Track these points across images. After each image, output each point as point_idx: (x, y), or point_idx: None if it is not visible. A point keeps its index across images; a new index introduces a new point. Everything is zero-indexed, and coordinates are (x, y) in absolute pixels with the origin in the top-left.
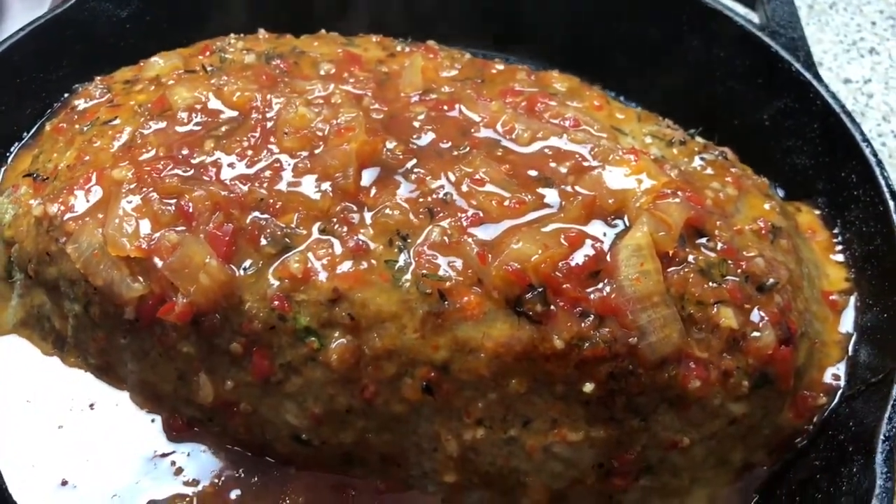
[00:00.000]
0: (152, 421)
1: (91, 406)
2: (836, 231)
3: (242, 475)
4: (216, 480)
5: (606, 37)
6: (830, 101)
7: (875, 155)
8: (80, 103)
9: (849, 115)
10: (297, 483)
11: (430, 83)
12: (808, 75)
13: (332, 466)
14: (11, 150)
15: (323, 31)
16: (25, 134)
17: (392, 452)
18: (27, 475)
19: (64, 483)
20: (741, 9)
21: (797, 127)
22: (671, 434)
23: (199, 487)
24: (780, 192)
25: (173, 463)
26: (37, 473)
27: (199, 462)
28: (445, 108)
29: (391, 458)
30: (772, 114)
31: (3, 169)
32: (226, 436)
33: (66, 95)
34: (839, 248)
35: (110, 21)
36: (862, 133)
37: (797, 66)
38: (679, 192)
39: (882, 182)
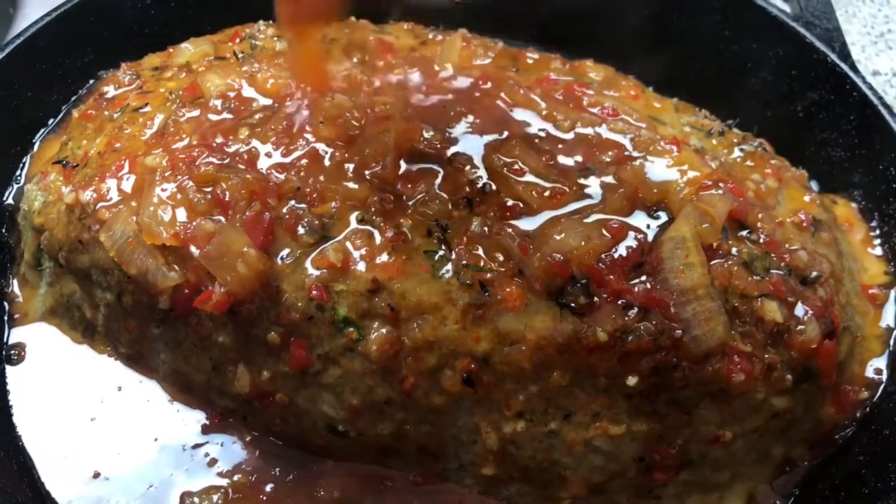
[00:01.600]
0: (184, 412)
1: (122, 397)
2: (873, 224)
3: (277, 467)
4: (250, 472)
5: (639, 28)
6: (868, 92)
7: None
8: (109, 90)
9: (887, 106)
10: (333, 475)
11: (465, 71)
12: (844, 66)
13: (368, 458)
14: (37, 137)
15: (353, 18)
16: (52, 120)
17: (430, 445)
18: (60, 467)
19: (96, 475)
20: None
21: (832, 119)
22: (713, 428)
23: (234, 479)
24: (814, 185)
25: (206, 454)
26: (69, 465)
27: (234, 453)
28: (485, 87)
29: (429, 451)
30: (806, 105)
31: (29, 156)
32: (261, 426)
33: (91, 82)
34: (878, 241)
35: (135, 6)
36: None
37: (833, 56)
38: (721, 184)
39: None
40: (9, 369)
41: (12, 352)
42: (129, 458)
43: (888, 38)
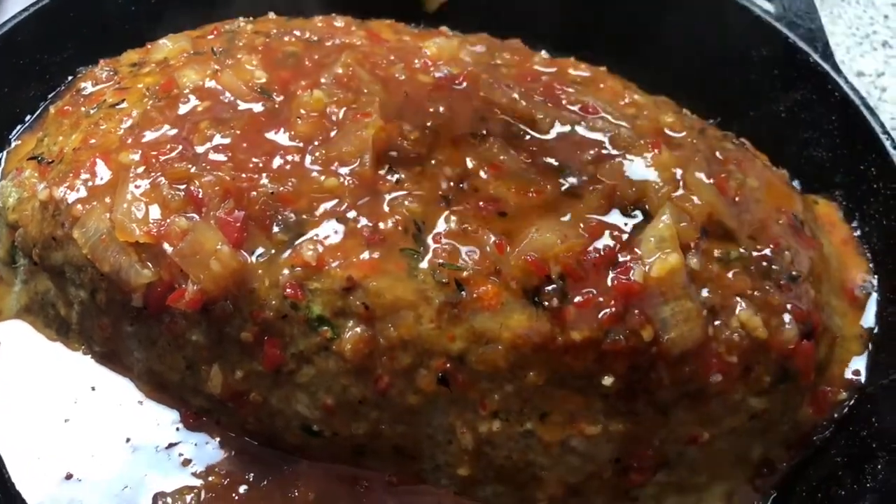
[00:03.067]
0: (158, 411)
1: (96, 396)
2: (854, 224)
3: (252, 466)
4: (225, 472)
5: (621, 26)
6: (850, 92)
7: None
8: (86, 86)
9: (868, 107)
10: (308, 475)
11: (445, 67)
12: (826, 66)
13: (343, 458)
14: (14, 132)
15: (334, 14)
16: (28, 117)
17: (405, 444)
18: (32, 468)
19: (69, 476)
20: None
21: (814, 119)
22: (690, 429)
23: (208, 479)
24: (797, 185)
25: (180, 454)
26: (41, 466)
27: (208, 453)
28: (462, 87)
29: (404, 451)
30: (788, 105)
31: (5, 152)
32: (235, 426)
33: (70, 78)
34: (859, 241)
35: (114, 2)
36: (882, 126)
37: (815, 57)
38: (701, 182)
39: None
40: None
41: None
42: (101, 458)
43: (873, 39)
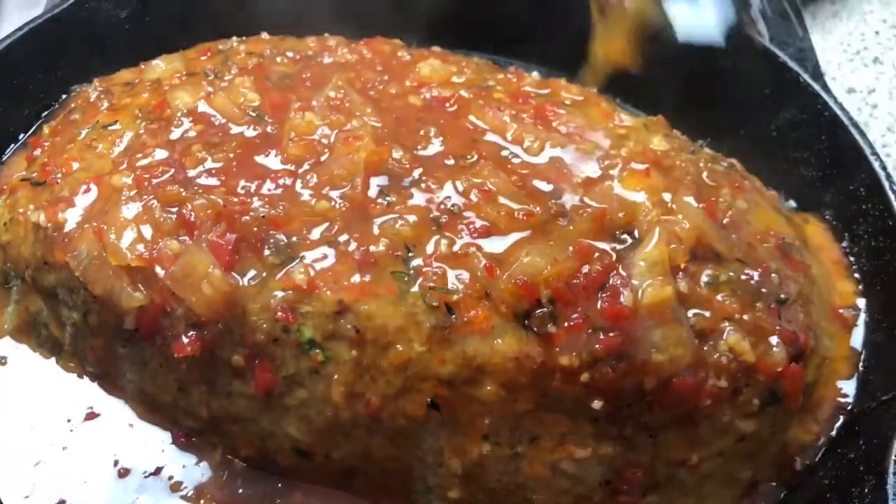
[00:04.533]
0: (150, 432)
1: (88, 418)
2: (844, 245)
3: (243, 489)
4: (215, 495)
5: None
6: (839, 112)
7: (885, 168)
8: (79, 105)
9: (857, 127)
10: (298, 499)
11: (436, 90)
12: (816, 86)
13: (334, 480)
14: (6, 152)
15: (326, 34)
16: (22, 135)
17: (396, 467)
18: (25, 495)
19: (62, 503)
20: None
21: (805, 138)
22: (679, 451)
23: (198, 502)
24: (791, 204)
25: (171, 477)
26: (35, 493)
27: (199, 476)
28: (453, 110)
29: (395, 473)
30: (779, 125)
31: None
32: (227, 448)
33: (63, 97)
34: (848, 262)
35: (109, 21)
36: (871, 146)
37: (805, 76)
38: (690, 205)
39: (892, 196)
40: None
41: None
42: (93, 483)
43: (864, 55)
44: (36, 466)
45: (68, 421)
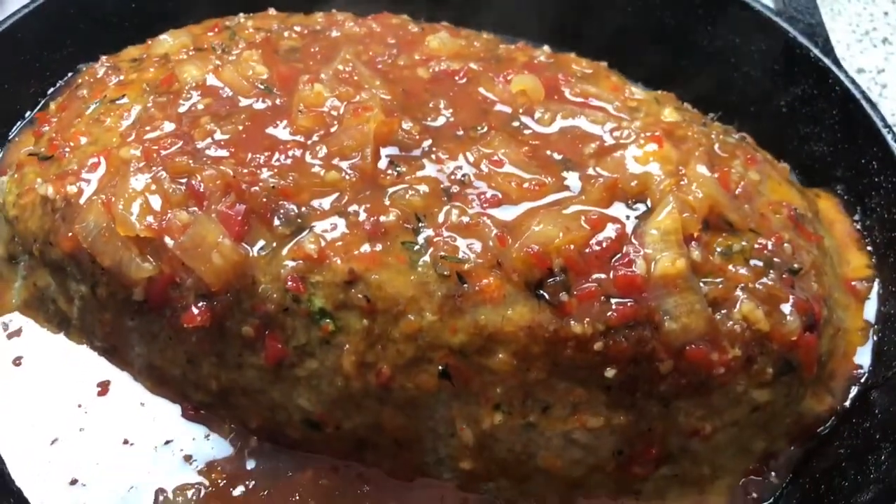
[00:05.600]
0: (159, 406)
1: (98, 394)
2: (856, 218)
3: (253, 461)
4: (225, 468)
5: (621, 23)
6: (850, 87)
7: None
8: (86, 81)
9: (869, 101)
10: (308, 475)
11: (446, 62)
12: (826, 61)
13: (345, 452)
14: (14, 128)
15: (334, 10)
16: (29, 112)
17: (407, 438)
18: (37, 472)
19: (74, 482)
20: None
21: (815, 113)
22: (693, 421)
23: (209, 475)
24: (798, 179)
25: (182, 450)
26: (47, 471)
27: (209, 449)
28: (463, 82)
29: (406, 444)
30: (789, 100)
31: (5, 148)
32: (236, 420)
33: (70, 74)
34: (860, 235)
35: None
36: (883, 119)
37: (815, 51)
38: (703, 175)
39: None
40: None
41: None
42: (105, 460)
43: (873, 35)
44: (50, 445)
45: (80, 398)
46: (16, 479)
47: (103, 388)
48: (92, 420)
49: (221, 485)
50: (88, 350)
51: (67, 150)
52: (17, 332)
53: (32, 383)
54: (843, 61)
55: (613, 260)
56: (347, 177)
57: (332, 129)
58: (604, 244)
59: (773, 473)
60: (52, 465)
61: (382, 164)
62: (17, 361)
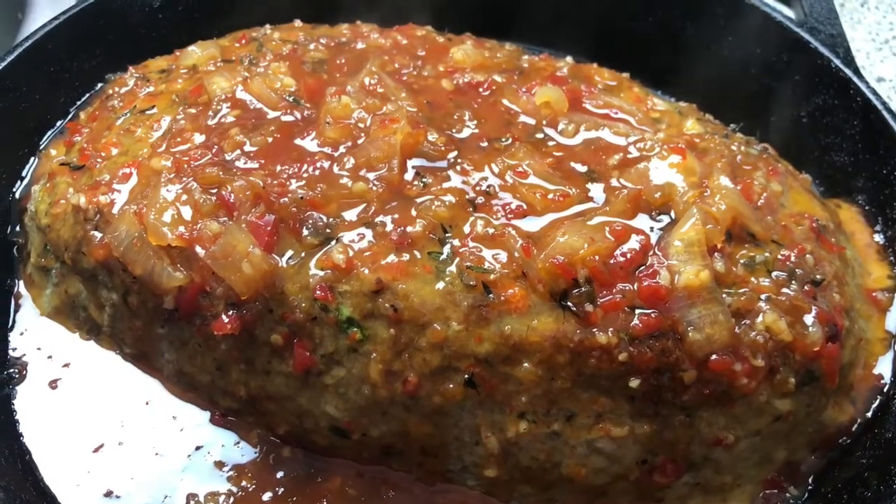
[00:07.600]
0: (189, 412)
1: (128, 401)
2: (877, 228)
3: (281, 468)
4: (254, 474)
5: (643, 33)
6: (872, 97)
7: None
8: (116, 92)
9: (890, 111)
10: (337, 483)
11: (471, 74)
12: (848, 72)
13: (371, 459)
14: (45, 138)
15: (359, 21)
16: (59, 122)
17: (433, 445)
18: (74, 483)
19: (108, 494)
20: (775, 4)
21: (837, 124)
22: (716, 430)
23: (239, 481)
24: (819, 190)
25: (211, 455)
26: (83, 482)
27: (238, 455)
28: (488, 93)
29: (431, 451)
30: (810, 110)
31: (37, 158)
32: (265, 427)
33: (99, 85)
34: (881, 245)
35: (143, 10)
36: None
37: (837, 62)
38: (726, 187)
39: None
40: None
41: (17, 359)
42: (136, 467)
43: (892, 44)
44: (89, 455)
45: (119, 409)
46: (52, 488)
47: (132, 395)
48: (128, 431)
49: (251, 490)
50: (117, 357)
51: (99, 160)
52: (48, 341)
53: (72, 398)
54: (863, 70)
55: (638, 271)
56: (374, 188)
57: (360, 141)
58: (628, 255)
59: (793, 483)
60: (84, 478)
61: (409, 175)
62: (53, 384)
